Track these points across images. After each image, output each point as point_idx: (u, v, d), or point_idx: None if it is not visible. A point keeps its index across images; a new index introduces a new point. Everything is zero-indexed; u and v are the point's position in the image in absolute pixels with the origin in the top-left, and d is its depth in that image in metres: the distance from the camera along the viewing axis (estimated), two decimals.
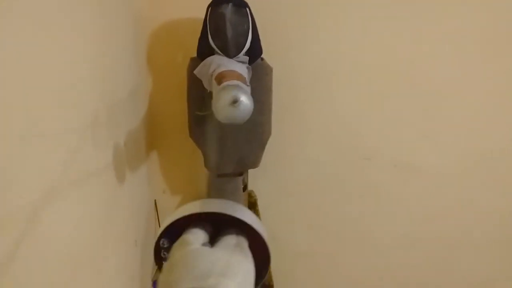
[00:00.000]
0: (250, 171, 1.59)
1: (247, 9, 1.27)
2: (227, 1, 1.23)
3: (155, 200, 1.76)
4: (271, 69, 1.43)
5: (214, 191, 1.53)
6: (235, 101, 0.92)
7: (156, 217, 1.76)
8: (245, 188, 1.57)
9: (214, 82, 1.13)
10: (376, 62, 1.61)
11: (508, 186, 1.77)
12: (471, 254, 1.88)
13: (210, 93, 1.23)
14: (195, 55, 1.37)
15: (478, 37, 1.58)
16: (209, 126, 1.41)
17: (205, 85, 1.28)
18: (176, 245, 0.51)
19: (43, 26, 0.80)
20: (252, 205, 1.70)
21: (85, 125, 1.01)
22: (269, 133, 1.47)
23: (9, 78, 0.68)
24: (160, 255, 0.57)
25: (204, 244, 0.52)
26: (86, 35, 1.02)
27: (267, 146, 1.48)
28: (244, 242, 0.54)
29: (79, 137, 0.97)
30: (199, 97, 1.39)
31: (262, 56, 1.40)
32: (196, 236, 0.53)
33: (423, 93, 1.64)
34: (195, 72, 1.31)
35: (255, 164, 1.49)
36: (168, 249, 0.55)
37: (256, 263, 0.53)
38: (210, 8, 1.27)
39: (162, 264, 0.56)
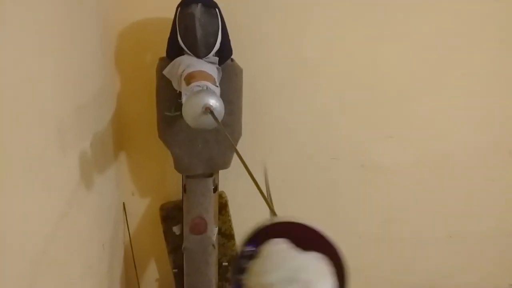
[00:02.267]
0: (221, 172, 1.58)
1: (217, 10, 1.27)
2: (197, 2, 1.22)
3: (123, 203, 1.72)
4: (241, 70, 1.43)
5: (185, 192, 1.52)
6: (206, 109, 0.91)
7: (125, 220, 1.73)
8: (215, 189, 1.57)
9: (183, 82, 1.13)
10: (342, 64, 1.64)
11: (470, 184, 1.85)
12: (433, 250, 1.95)
13: (180, 94, 1.22)
14: (164, 55, 1.36)
15: (440, 38, 1.64)
16: (178, 127, 1.40)
17: (175, 85, 1.27)
18: (266, 245, 0.53)
19: (6, 26, 0.77)
20: (223, 206, 1.70)
21: (49, 128, 0.98)
22: (239, 134, 1.48)
23: None
24: (241, 263, 0.57)
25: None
26: (50, 34, 0.99)
27: (238, 147, 1.48)
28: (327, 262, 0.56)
29: (43, 139, 0.95)
30: (168, 98, 1.38)
31: (232, 57, 1.40)
32: (284, 241, 0.55)
33: (388, 94, 1.69)
34: (164, 72, 1.30)
35: (225, 164, 1.49)
36: (249, 257, 0.56)
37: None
38: (179, 8, 1.26)
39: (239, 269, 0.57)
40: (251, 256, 0.56)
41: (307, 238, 0.57)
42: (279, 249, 0.52)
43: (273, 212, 0.67)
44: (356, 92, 1.68)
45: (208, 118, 0.93)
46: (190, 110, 0.93)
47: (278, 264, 0.49)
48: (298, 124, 1.72)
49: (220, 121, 0.93)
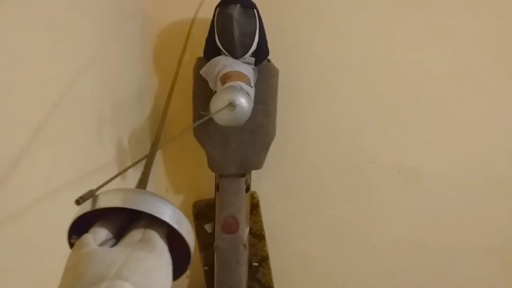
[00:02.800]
0: (253, 172, 1.59)
1: (255, 10, 1.27)
2: (235, 2, 1.23)
3: None
4: (277, 71, 1.43)
5: (218, 191, 1.54)
6: (230, 105, 0.91)
7: None
8: (248, 189, 1.57)
9: (219, 82, 1.14)
10: (380, 66, 1.60)
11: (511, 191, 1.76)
12: (472, 261, 1.87)
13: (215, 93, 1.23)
14: (202, 55, 1.37)
15: (482, 42, 1.57)
16: (213, 127, 1.41)
17: (211, 85, 1.28)
18: (74, 248, 0.46)
19: (49, 24, 0.80)
20: (255, 206, 1.70)
21: (88, 122, 1.01)
22: (273, 135, 1.47)
23: (12, 77, 0.68)
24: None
25: (104, 243, 0.47)
26: (93, 33, 1.03)
27: (271, 148, 1.48)
28: (152, 235, 0.49)
29: (84, 135, 0.98)
30: (204, 97, 1.39)
31: (269, 57, 1.40)
32: (97, 235, 0.47)
33: (428, 97, 1.64)
34: (201, 72, 1.32)
35: (258, 165, 1.49)
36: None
37: (176, 255, 0.50)
38: (218, 9, 1.27)
39: None
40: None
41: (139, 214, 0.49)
42: (81, 255, 0.43)
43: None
44: (394, 95, 1.64)
45: (231, 114, 0.93)
46: (214, 104, 0.94)
47: (75, 279, 0.41)
48: (333, 126, 1.69)
49: (244, 120, 0.92)
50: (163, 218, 0.49)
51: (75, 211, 0.50)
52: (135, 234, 0.48)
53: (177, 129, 1.68)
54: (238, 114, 0.95)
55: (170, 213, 0.51)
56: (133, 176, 1.34)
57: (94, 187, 0.51)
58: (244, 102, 0.94)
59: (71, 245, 0.51)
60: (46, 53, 0.79)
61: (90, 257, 0.43)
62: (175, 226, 0.50)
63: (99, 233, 0.48)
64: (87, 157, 1.00)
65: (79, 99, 0.95)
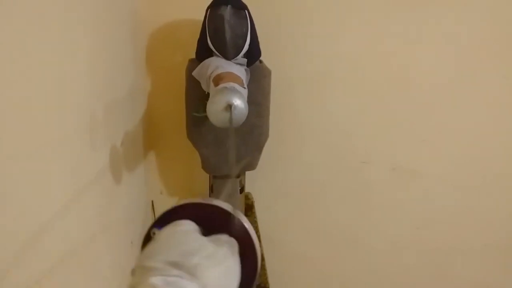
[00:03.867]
0: (247, 173, 1.59)
1: (246, 12, 1.27)
2: (226, 3, 1.23)
3: (152, 201, 1.76)
4: (269, 72, 1.43)
5: (212, 192, 1.53)
6: (228, 106, 0.92)
7: (153, 217, 1.76)
8: (242, 190, 1.57)
9: (211, 83, 1.13)
10: (374, 65, 1.61)
11: (508, 191, 1.77)
12: (468, 260, 1.88)
13: (208, 95, 1.23)
14: (193, 56, 1.37)
15: (478, 40, 1.57)
16: (206, 128, 1.41)
17: (203, 86, 1.28)
18: (171, 225, 0.50)
19: (39, 25, 0.79)
20: (249, 208, 1.70)
21: (81, 125, 1.01)
22: (267, 136, 1.47)
23: (1, 76, 0.68)
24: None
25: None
26: (84, 33, 1.02)
27: (265, 149, 1.48)
28: (235, 245, 0.51)
29: (75, 137, 0.97)
30: (197, 99, 1.39)
31: (261, 58, 1.40)
32: (189, 223, 0.51)
33: (421, 96, 1.64)
34: (193, 73, 1.31)
35: (252, 166, 1.49)
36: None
37: (243, 272, 0.51)
38: (209, 10, 1.27)
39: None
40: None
41: (218, 219, 0.53)
42: (176, 231, 0.48)
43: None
44: (388, 94, 1.64)
45: (231, 115, 0.94)
46: (213, 107, 0.94)
47: (167, 247, 0.45)
48: (327, 126, 1.70)
49: (241, 122, 0.93)
50: (252, 237, 0.53)
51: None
52: (222, 236, 0.51)
53: (170, 130, 1.68)
54: (236, 115, 0.95)
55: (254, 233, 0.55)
56: (127, 182, 1.34)
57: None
58: (241, 103, 0.95)
59: (147, 237, 0.55)
60: (36, 55, 0.78)
61: (187, 235, 0.47)
62: (256, 246, 0.54)
63: (192, 224, 0.51)
64: (79, 160, 0.99)
65: (71, 102, 0.95)
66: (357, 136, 1.70)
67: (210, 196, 1.55)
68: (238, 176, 1.52)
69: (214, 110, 0.95)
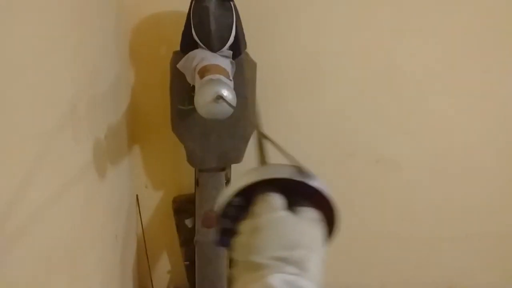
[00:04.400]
0: (233, 166, 1.58)
1: (231, 3, 1.26)
2: None
3: (137, 195, 1.74)
4: (255, 64, 1.42)
5: (198, 186, 1.53)
6: (218, 97, 0.92)
7: (138, 212, 1.75)
8: (228, 183, 1.57)
9: (197, 76, 1.13)
10: (358, 59, 1.62)
11: (488, 182, 1.81)
12: (450, 248, 1.92)
13: (193, 87, 1.22)
14: (178, 48, 1.36)
15: (459, 34, 1.60)
16: (191, 121, 1.40)
17: (188, 79, 1.27)
18: (261, 206, 0.48)
19: (22, 15, 0.77)
20: None
21: (63, 117, 0.99)
22: (253, 128, 1.47)
23: None
24: (227, 212, 0.52)
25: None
26: (65, 24, 1.00)
27: (250, 141, 1.48)
28: (319, 219, 0.52)
29: (57, 130, 0.95)
30: (182, 91, 1.38)
31: (246, 50, 1.39)
32: (280, 202, 0.49)
33: (404, 90, 1.66)
34: (178, 66, 1.30)
35: (238, 159, 1.49)
36: (237, 208, 0.52)
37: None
38: (193, 2, 1.26)
39: (224, 221, 0.53)
40: (240, 208, 0.51)
41: (297, 190, 0.52)
42: (275, 219, 0.46)
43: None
44: (372, 88, 1.66)
45: (219, 107, 0.94)
46: (201, 98, 0.94)
47: (271, 239, 0.44)
48: (313, 119, 1.70)
49: (230, 113, 0.93)
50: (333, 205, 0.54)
51: (242, 178, 0.52)
52: (309, 212, 0.50)
53: (154, 124, 1.66)
54: (226, 106, 0.95)
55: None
56: (112, 176, 1.32)
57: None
58: (230, 94, 0.95)
59: (222, 211, 0.52)
60: (18, 49, 0.76)
61: (286, 222, 0.47)
62: (337, 213, 0.55)
63: (281, 200, 0.50)
64: (63, 154, 0.98)
65: (53, 95, 0.93)
66: (343, 129, 1.72)
67: (195, 190, 1.55)
68: (224, 170, 1.52)
69: (203, 102, 0.94)
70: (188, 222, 1.69)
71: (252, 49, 1.41)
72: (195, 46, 1.28)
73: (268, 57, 1.54)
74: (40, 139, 0.86)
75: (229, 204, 0.52)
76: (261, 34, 1.53)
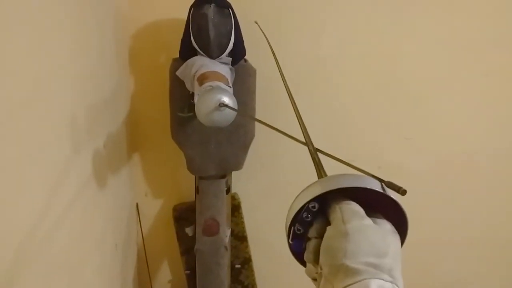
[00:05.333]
0: (234, 173, 1.57)
1: (230, 10, 1.26)
2: (210, 2, 1.21)
3: (137, 203, 1.73)
4: (254, 71, 1.42)
5: (198, 193, 1.52)
6: (220, 105, 0.91)
7: (138, 220, 1.73)
8: (228, 190, 1.56)
9: (196, 83, 1.12)
10: (359, 65, 1.61)
11: (489, 188, 1.80)
12: (452, 255, 1.90)
13: (193, 94, 1.22)
14: (177, 56, 1.35)
15: (460, 39, 1.60)
16: (191, 128, 1.40)
17: (188, 86, 1.26)
18: (348, 213, 0.50)
19: (21, 23, 0.77)
20: (236, 208, 1.69)
21: (63, 126, 0.98)
22: (252, 135, 1.46)
23: None
24: (302, 216, 0.54)
25: None
26: (65, 33, 1.00)
27: (250, 148, 1.47)
28: (395, 231, 0.54)
29: (57, 139, 0.95)
30: (181, 99, 1.38)
31: (246, 57, 1.39)
32: (361, 210, 0.51)
33: (406, 95, 1.66)
34: (177, 73, 1.30)
35: (238, 166, 1.48)
36: (311, 212, 0.54)
37: None
38: (192, 9, 1.26)
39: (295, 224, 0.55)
40: (315, 213, 0.53)
41: (370, 201, 0.54)
42: (366, 225, 0.48)
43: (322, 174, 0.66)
44: (373, 93, 1.65)
45: (222, 115, 0.93)
46: (203, 106, 0.92)
47: (364, 246, 0.46)
48: (313, 125, 1.68)
49: (232, 120, 0.92)
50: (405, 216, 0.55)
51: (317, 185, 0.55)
52: (385, 224, 0.52)
53: (154, 131, 1.65)
54: (228, 113, 0.94)
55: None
56: (112, 184, 1.31)
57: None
58: (231, 101, 0.94)
59: (296, 217, 0.54)
60: (18, 57, 0.76)
61: (375, 231, 0.49)
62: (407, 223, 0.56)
63: (361, 209, 0.51)
64: (62, 162, 0.97)
65: (53, 103, 0.92)
66: (344, 135, 1.71)
67: (196, 197, 1.53)
68: (224, 177, 1.51)
69: (205, 110, 0.93)
70: (188, 231, 1.68)
71: (251, 55, 1.40)
72: (194, 53, 1.28)
73: (266, 63, 1.53)
74: (39, 149, 0.85)
75: (302, 209, 0.54)
76: (260, 40, 1.53)
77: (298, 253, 0.58)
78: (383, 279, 0.44)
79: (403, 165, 1.75)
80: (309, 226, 0.54)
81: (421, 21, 1.57)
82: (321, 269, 0.50)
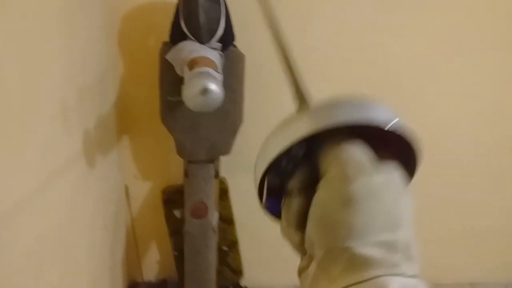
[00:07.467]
0: (222, 158, 1.59)
1: None
2: None
3: (126, 186, 1.75)
4: (243, 57, 1.43)
5: (187, 177, 1.54)
6: (205, 90, 0.93)
7: (127, 202, 1.75)
8: (217, 175, 1.58)
9: (185, 68, 1.13)
10: (348, 54, 1.63)
11: (474, 181, 1.85)
12: (434, 247, 1.94)
13: (183, 79, 1.23)
14: (167, 39, 1.36)
15: (449, 35, 1.62)
16: (181, 113, 1.41)
17: (177, 70, 1.27)
18: (353, 164, 0.35)
19: (10, 8, 0.77)
20: (224, 192, 1.72)
21: (52, 109, 0.99)
22: (241, 121, 1.48)
23: None
24: (281, 164, 0.39)
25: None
26: (54, 16, 1.00)
27: (239, 134, 1.49)
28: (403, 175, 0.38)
29: (46, 122, 0.96)
30: (171, 82, 1.38)
31: (235, 43, 1.40)
32: (367, 157, 0.36)
33: (394, 90, 1.66)
34: (167, 57, 1.30)
35: (226, 151, 1.50)
36: (294, 159, 0.39)
37: None
38: None
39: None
40: (299, 159, 0.38)
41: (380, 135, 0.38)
42: (377, 185, 0.34)
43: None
44: (361, 86, 1.66)
45: (206, 100, 0.95)
46: (189, 91, 0.95)
47: (375, 217, 0.33)
48: None
49: (217, 106, 0.94)
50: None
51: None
52: (393, 172, 0.37)
53: (143, 115, 1.66)
54: (212, 99, 0.96)
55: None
56: (101, 166, 1.33)
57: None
58: (217, 87, 0.96)
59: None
60: (8, 40, 0.76)
61: (382, 193, 0.34)
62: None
63: (367, 154, 0.37)
64: (52, 144, 0.98)
65: (43, 87, 0.93)
66: None
67: (184, 181, 1.55)
68: (213, 161, 1.53)
69: (190, 95, 0.95)
70: (177, 213, 1.70)
71: (240, 41, 1.41)
72: (184, 37, 1.28)
73: (256, 50, 1.55)
74: (29, 131, 0.86)
75: (283, 156, 0.38)
76: (250, 26, 1.53)
77: (276, 214, 0.43)
78: (403, 274, 0.32)
79: None
80: (288, 178, 0.40)
81: (412, 15, 1.58)
82: (308, 245, 0.37)
